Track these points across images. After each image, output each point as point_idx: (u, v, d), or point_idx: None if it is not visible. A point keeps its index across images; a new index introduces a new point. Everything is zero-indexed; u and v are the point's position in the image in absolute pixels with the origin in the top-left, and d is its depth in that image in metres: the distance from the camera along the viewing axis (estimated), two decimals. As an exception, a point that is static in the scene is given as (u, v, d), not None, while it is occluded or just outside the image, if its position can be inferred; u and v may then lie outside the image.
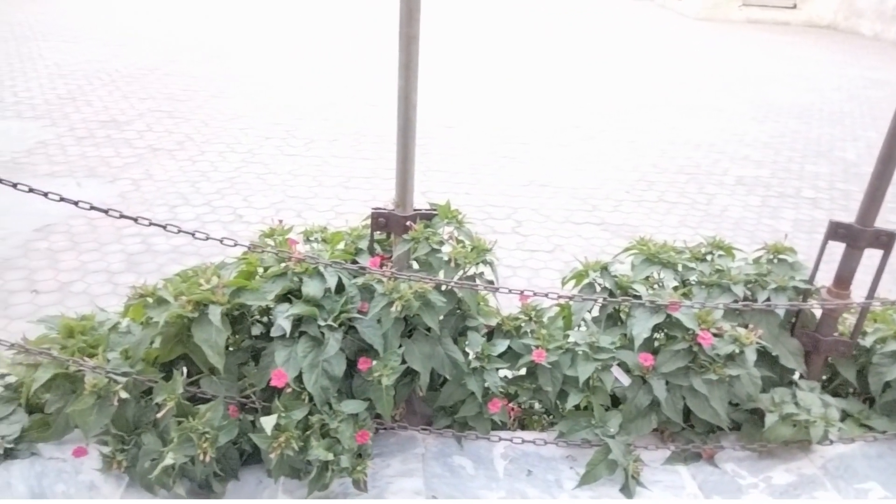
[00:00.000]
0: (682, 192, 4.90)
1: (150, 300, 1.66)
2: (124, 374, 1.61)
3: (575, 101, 7.41)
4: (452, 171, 5.03)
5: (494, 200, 4.53)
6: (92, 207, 1.63)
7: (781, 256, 2.06)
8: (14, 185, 1.62)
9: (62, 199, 1.62)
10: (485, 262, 1.77)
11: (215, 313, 1.55)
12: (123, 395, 1.57)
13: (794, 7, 16.10)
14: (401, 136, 1.68)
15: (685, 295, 1.94)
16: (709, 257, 2.15)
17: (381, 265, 1.75)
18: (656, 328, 1.85)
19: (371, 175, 4.89)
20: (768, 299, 1.92)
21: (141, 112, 5.91)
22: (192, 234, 1.68)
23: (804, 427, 1.79)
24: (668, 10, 18.46)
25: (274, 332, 1.62)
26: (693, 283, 2.06)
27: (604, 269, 2.01)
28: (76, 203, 1.63)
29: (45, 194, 1.62)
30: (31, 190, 1.60)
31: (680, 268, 2.08)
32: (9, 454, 1.68)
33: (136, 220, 1.64)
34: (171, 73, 7.33)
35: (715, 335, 1.78)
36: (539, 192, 4.73)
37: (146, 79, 7.05)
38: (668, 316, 1.81)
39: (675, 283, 2.06)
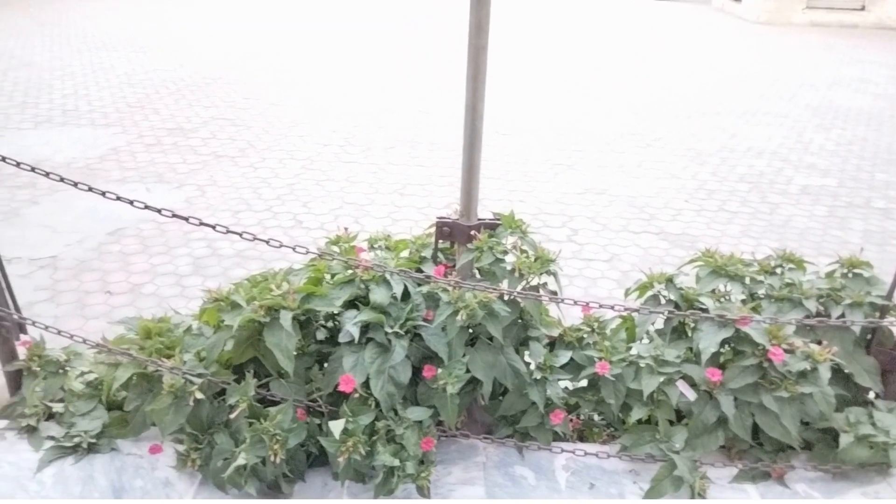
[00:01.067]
0: (744, 202, 4.77)
1: (223, 304, 1.73)
2: (199, 376, 1.67)
3: (631, 107, 7.31)
4: (507, 179, 5.03)
5: (549, 208, 4.51)
6: (174, 215, 1.71)
7: (856, 271, 1.99)
8: (103, 194, 1.72)
9: (146, 207, 1.70)
10: (548, 273, 1.76)
11: (286, 318, 1.60)
12: (199, 395, 1.63)
13: (863, 9, 15.47)
14: (467, 147, 1.69)
15: (754, 309, 1.89)
16: (778, 270, 2.09)
17: (445, 274, 1.77)
18: (724, 343, 1.81)
19: (426, 182, 4.93)
20: (842, 315, 1.86)
21: (205, 120, 6.12)
22: (276, 244, 1.73)
23: (882, 449, 1.72)
24: (726, 14, 18.03)
25: (342, 338, 1.66)
26: (762, 296, 2.01)
27: (669, 280, 1.98)
28: (159, 211, 1.71)
29: (131, 202, 1.70)
30: (118, 198, 1.69)
31: (748, 280, 2.03)
32: (91, 448, 1.76)
33: (240, 235, 1.70)
34: (233, 82, 7.57)
35: (786, 351, 1.74)
36: (595, 201, 4.68)
37: (209, 88, 7.30)
38: (737, 330, 1.77)
39: (743, 297, 2.01)
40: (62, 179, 1.77)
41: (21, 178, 4.53)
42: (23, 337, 1.92)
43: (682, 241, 4.09)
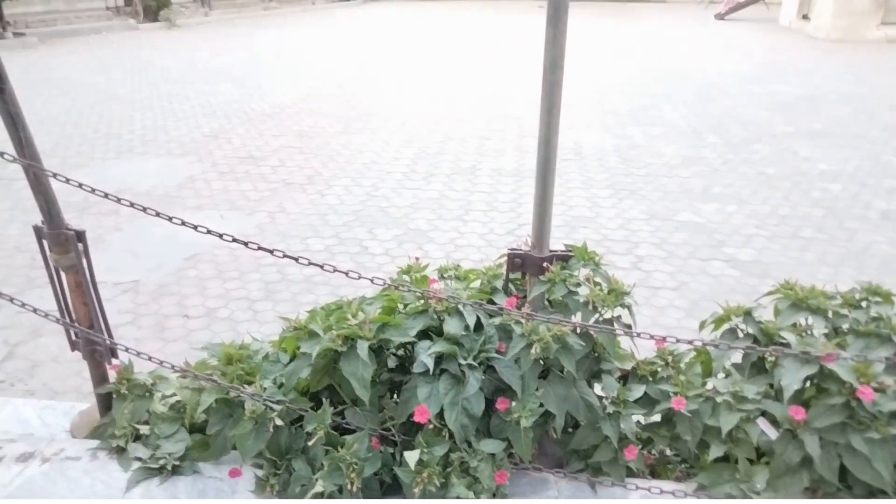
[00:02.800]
0: (819, 228, 4.59)
1: (302, 333, 1.78)
2: (279, 402, 1.72)
3: (696, 131, 7.16)
4: (569, 205, 5.00)
5: (614, 235, 4.46)
6: (234, 240, 1.78)
7: (952, 305, 1.89)
8: (170, 219, 1.82)
9: (209, 232, 1.78)
10: (622, 306, 1.75)
11: (363, 348, 1.64)
12: (278, 422, 1.68)
13: (943, 24, 14.80)
14: (540, 179, 1.71)
15: (839, 345, 1.81)
16: (864, 304, 2.00)
17: (518, 306, 1.78)
18: (807, 379, 1.74)
19: (488, 209, 4.95)
20: (937, 353, 1.76)
21: (275, 148, 6.35)
22: (343, 272, 1.78)
23: (984, 498, 1.61)
24: (794, 33, 17.53)
25: (416, 369, 1.68)
26: (846, 331, 1.93)
27: (747, 314, 1.92)
28: (220, 235, 1.78)
29: (195, 227, 1.79)
30: (183, 223, 1.78)
31: (830, 314, 1.96)
32: (175, 470, 1.84)
33: (296, 259, 1.76)
34: (301, 111, 7.84)
35: (876, 390, 1.66)
36: (661, 227, 4.60)
37: (279, 117, 7.58)
38: (822, 367, 1.70)
39: (826, 331, 1.93)
40: (132, 205, 1.88)
41: (105, 206, 4.80)
42: (113, 361, 2.02)
43: (754, 270, 3.96)
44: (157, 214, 1.88)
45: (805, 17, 17.75)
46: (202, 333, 3.21)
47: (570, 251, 1.83)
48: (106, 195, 1.89)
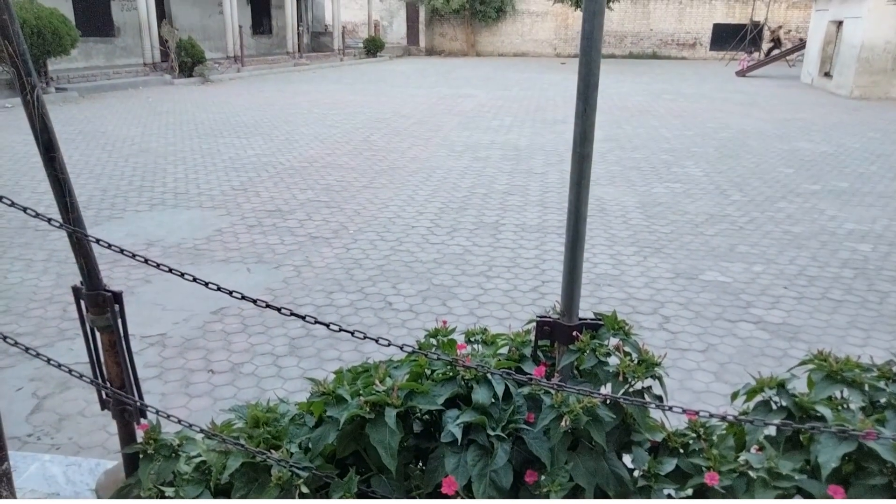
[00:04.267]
0: (849, 289, 4.52)
1: (329, 398, 1.78)
2: (305, 469, 1.71)
3: (719, 188, 7.17)
4: (594, 262, 4.99)
5: (639, 294, 4.43)
6: (243, 297, 1.81)
7: None
8: (182, 275, 1.85)
9: (219, 289, 1.80)
10: (653, 377, 1.73)
11: (391, 416, 1.63)
12: (304, 489, 1.67)
13: (968, 82, 14.82)
14: (569, 249, 1.72)
15: (879, 421, 1.76)
16: (902, 377, 1.95)
17: (547, 374, 1.76)
18: (845, 456, 1.69)
19: (511, 264, 4.96)
20: (982, 432, 1.70)
21: (301, 202, 6.47)
22: (374, 339, 1.79)
23: None
24: (816, 90, 17.65)
25: (444, 439, 1.66)
26: (884, 405, 1.88)
27: (780, 385, 1.88)
28: (230, 293, 1.81)
29: (206, 284, 1.82)
30: (194, 279, 1.81)
31: (867, 387, 1.91)
32: (198, 535, 1.82)
33: (303, 318, 1.78)
34: (328, 165, 8.01)
35: (919, 471, 1.60)
36: (687, 286, 4.56)
37: (306, 171, 7.75)
38: (861, 444, 1.65)
39: (864, 404, 1.88)
40: (146, 261, 1.91)
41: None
42: (141, 421, 2.03)
43: (784, 332, 3.89)
44: (170, 270, 1.91)
45: (827, 74, 17.90)
46: (226, 389, 3.23)
47: (600, 320, 1.82)
48: (122, 251, 1.94)
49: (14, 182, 7.03)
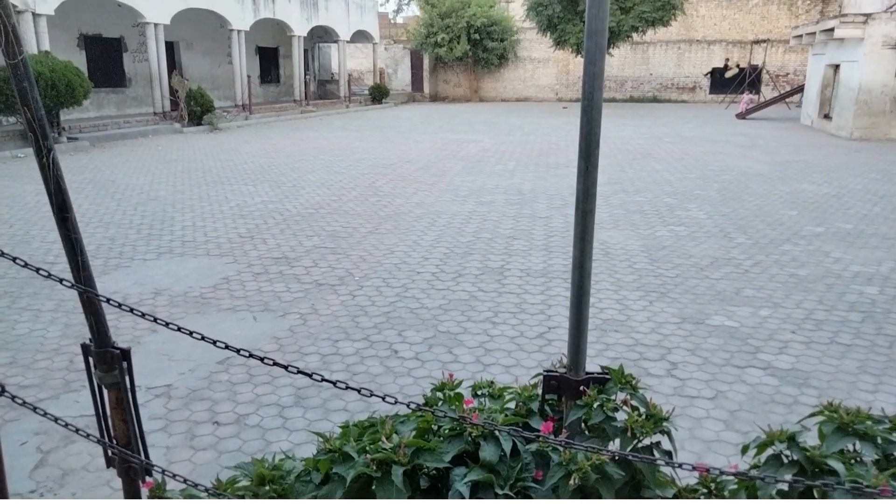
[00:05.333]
0: (858, 334, 4.49)
1: (336, 455, 1.77)
2: (311, 529, 1.69)
3: (723, 231, 7.19)
4: (600, 307, 4.98)
5: (646, 340, 4.40)
6: (237, 351, 1.81)
7: None
8: (178, 329, 1.86)
9: (215, 343, 1.81)
10: (662, 432, 1.71)
11: (398, 474, 1.62)
12: (310, 551, 1.64)
13: (967, 122, 14.96)
14: (574, 303, 1.73)
15: (894, 475, 1.74)
16: (914, 429, 1.93)
17: (554, 429, 1.75)
18: (860, 512, 1.66)
19: (517, 310, 4.96)
20: None
21: (307, 249, 6.52)
22: (380, 397, 1.79)
23: None
24: (816, 131, 17.83)
25: (452, 497, 1.65)
26: (898, 458, 1.85)
27: (791, 439, 1.86)
28: (226, 346, 1.81)
29: (202, 337, 1.83)
30: (179, 329, 1.83)
31: (879, 440, 1.89)
32: None
33: (310, 375, 1.78)
34: (334, 212, 8.10)
35: (936, 529, 1.57)
36: (693, 331, 4.54)
37: (312, 217, 7.83)
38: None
39: (877, 457, 1.86)
40: (143, 315, 1.93)
41: (142, 308, 4.93)
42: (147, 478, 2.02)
43: (793, 378, 3.85)
44: (167, 325, 1.93)
45: (827, 116, 18.11)
46: (231, 442, 3.20)
47: (607, 374, 1.82)
48: (131, 310, 1.96)
49: (25, 231, 7.11)
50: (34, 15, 14.92)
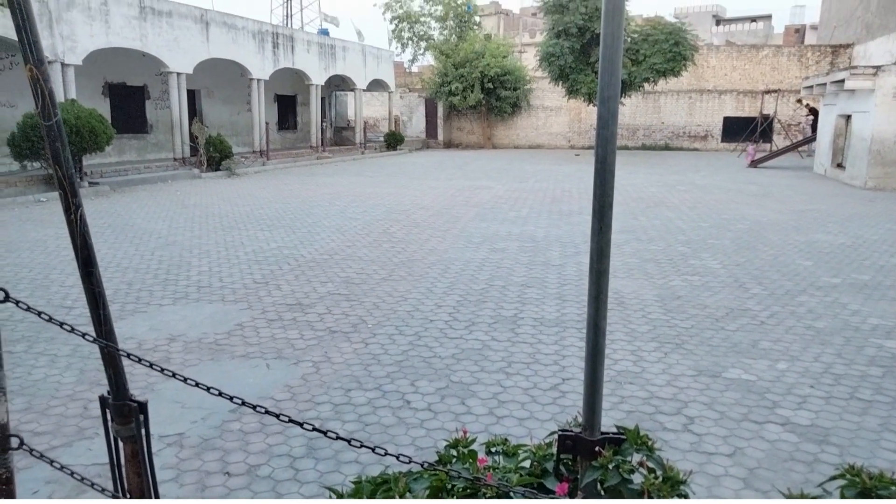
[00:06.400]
0: (879, 389, 4.41)
1: (349, 514, 1.76)
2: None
3: (738, 281, 7.15)
4: (614, 358, 4.94)
5: (661, 393, 4.35)
6: (243, 403, 1.83)
7: None
8: (185, 380, 1.88)
9: (220, 394, 1.83)
10: (679, 495, 1.69)
11: (411, 536, 1.61)
12: None
13: (982, 173, 14.93)
14: (589, 362, 1.73)
15: (918, 545, 1.69)
16: (940, 494, 1.88)
17: (569, 490, 1.74)
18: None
19: (530, 360, 4.93)
20: None
21: (322, 295, 6.56)
22: (394, 456, 1.79)
23: None
24: (829, 180, 17.85)
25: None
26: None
27: (812, 503, 1.83)
28: (230, 398, 1.84)
29: (208, 389, 1.85)
30: (197, 384, 1.85)
31: (903, 505, 1.84)
32: None
33: (325, 431, 1.78)
34: (348, 258, 8.16)
35: None
36: (710, 385, 4.48)
37: (326, 263, 7.89)
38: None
39: (901, 524, 1.81)
40: (162, 370, 1.95)
41: (157, 354, 4.96)
42: (159, 533, 2.01)
43: (813, 435, 3.78)
44: (174, 375, 1.96)
45: (840, 165, 18.14)
46: (242, 493, 3.17)
47: (623, 434, 1.81)
48: (151, 365, 1.99)
49: (44, 276, 7.23)
50: (63, 65, 15.47)
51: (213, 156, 18.98)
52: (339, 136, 33.14)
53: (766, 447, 3.64)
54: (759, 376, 4.61)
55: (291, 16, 51.32)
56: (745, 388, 4.41)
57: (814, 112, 27.23)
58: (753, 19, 60.84)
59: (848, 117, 17.81)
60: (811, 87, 20.32)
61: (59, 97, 15.00)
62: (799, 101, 28.99)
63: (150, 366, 1.84)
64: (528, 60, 36.33)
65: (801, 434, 3.79)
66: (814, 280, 7.18)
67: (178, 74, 19.01)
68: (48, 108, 1.70)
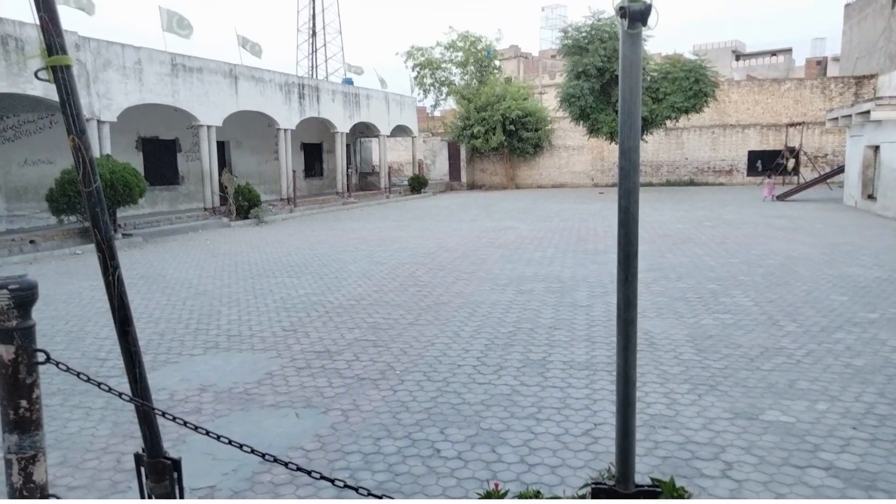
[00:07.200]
0: (926, 429, 4.24)
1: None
2: None
3: (771, 318, 7.01)
4: (646, 402, 4.85)
5: (697, 437, 4.24)
6: (275, 459, 1.83)
7: None
8: (207, 433, 1.89)
9: (241, 447, 1.83)
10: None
11: None
12: None
13: None
14: (620, 413, 1.72)
15: None
16: None
17: (605, 546, 1.70)
18: None
19: (561, 405, 4.86)
20: None
21: (349, 342, 6.58)
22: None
23: None
24: (860, 212, 17.56)
25: None
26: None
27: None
28: (252, 450, 1.83)
29: (229, 441, 1.85)
30: (230, 442, 1.84)
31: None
32: None
33: (356, 487, 1.78)
34: (375, 303, 8.20)
35: None
36: (747, 428, 4.36)
37: (354, 309, 7.94)
38: None
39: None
40: (185, 423, 1.97)
41: (188, 405, 5.00)
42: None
43: (859, 480, 3.64)
44: (207, 433, 1.97)
45: (871, 196, 17.86)
46: (273, 548, 3.15)
47: (658, 486, 1.77)
48: (184, 423, 2.01)
49: (79, 328, 7.38)
50: (99, 122, 16.08)
51: (242, 204, 19.40)
52: (365, 182, 33.66)
53: (809, 493, 3.52)
54: (798, 418, 4.48)
55: (317, 66, 52.90)
56: (784, 431, 4.28)
57: (792, 151, 27.41)
58: (774, 53, 61.02)
59: (876, 148, 17.59)
60: (836, 118, 20.17)
61: (95, 153, 15.57)
62: (787, 148, 29.12)
63: (185, 424, 1.87)
64: (549, 101, 36.76)
65: (847, 479, 3.65)
66: (850, 316, 7.01)
67: (209, 127, 19.61)
68: (89, 175, 1.78)
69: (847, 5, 35.86)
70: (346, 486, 1.79)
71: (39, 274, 11.32)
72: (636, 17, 1.51)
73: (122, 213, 16.11)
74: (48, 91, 13.89)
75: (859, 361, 5.56)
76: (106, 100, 16.30)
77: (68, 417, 4.80)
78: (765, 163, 30.12)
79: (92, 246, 1.72)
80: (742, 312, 7.29)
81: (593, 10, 26.61)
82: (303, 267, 11.17)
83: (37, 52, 1.79)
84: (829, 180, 24.67)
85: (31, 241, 13.87)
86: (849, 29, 35.63)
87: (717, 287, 8.65)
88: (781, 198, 22.46)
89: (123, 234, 15.51)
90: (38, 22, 1.69)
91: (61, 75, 1.75)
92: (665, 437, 4.25)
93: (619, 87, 1.61)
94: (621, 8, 1.57)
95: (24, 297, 1.66)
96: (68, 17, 21.04)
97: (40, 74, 1.77)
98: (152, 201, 20.28)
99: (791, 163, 28.51)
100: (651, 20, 1.54)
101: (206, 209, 19.72)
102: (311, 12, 53.95)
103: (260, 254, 12.98)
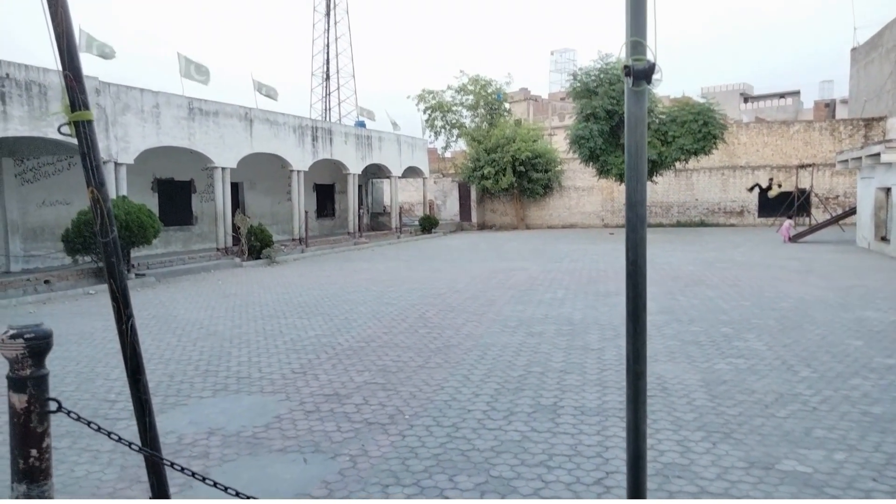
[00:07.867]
0: (949, 481, 4.13)
1: None
2: None
3: (786, 363, 6.91)
4: (659, 449, 4.76)
5: (712, 488, 4.15)
6: None
7: None
8: (214, 484, 1.87)
9: (248, 498, 1.81)
10: None
11: None
12: None
13: None
14: (631, 470, 1.70)
15: None
16: None
17: None
18: None
19: (572, 452, 4.78)
20: None
21: (358, 385, 6.54)
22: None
23: None
24: (873, 254, 17.44)
25: None
26: None
27: None
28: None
29: (237, 493, 1.82)
30: (226, 489, 1.82)
31: None
32: None
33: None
34: (384, 345, 8.18)
35: None
36: (764, 477, 4.26)
37: (363, 351, 7.92)
38: None
39: None
40: (193, 475, 1.96)
41: (196, 449, 4.97)
42: None
43: (880, 534, 3.53)
44: (204, 480, 1.96)
45: (884, 238, 17.76)
46: None
47: (669, 544, 1.73)
48: (193, 474, 2.00)
49: (90, 369, 7.40)
50: (116, 164, 16.41)
51: (254, 245, 19.57)
52: (376, 222, 33.92)
53: (829, 548, 3.42)
54: (815, 468, 4.38)
55: (330, 109, 53.94)
56: (801, 482, 4.18)
57: (759, 187, 28.10)
58: (782, 95, 61.57)
59: (888, 190, 17.56)
60: (846, 160, 20.20)
61: (112, 194, 15.83)
62: (773, 181, 29.64)
63: (193, 475, 1.87)
64: (559, 142, 37.14)
65: (867, 533, 3.55)
66: (866, 361, 6.90)
67: (223, 169, 19.94)
68: (106, 226, 1.82)
69: (853, 49, 36.31)
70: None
71: (53, 314, 11.42)
72: (640, 75, 1.55)
73: (135, 252, 16.29)
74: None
75: (877, 409, 5.45)
76: (124, 143, 16.66)
77: (76, 461, 4.78)
78: (776, 205, 30.09)
79: (105, 286, 1.76)
80: (756, 357, 7.20)
81: (602, 54, 27.15)
82: (313, 307, 11.19)
83: (60, 109, 1.86)
84: (840, 221, 24.57)
85: (46, 281, 14.03)
86: (856, 72, 36.01)
87: (729, 330, 8.56)
88: (793, 239, 22.37)
89: (137, 274, 15.65)
90: (63, 81, 1.76)
91: (83, 129, 1.81)
92: (679, 487, 4.16)
93: (625, 142, 1.64)
94: (626, 67, 1.61)
95: (39, 346, 1.68)
96: (89, 63, 21.70)
97: (63, 129, 1.83)
98: (166, 241, 20.51)
99: (776, 189, 29.10)
100: (655, 78, 1.58)
101: (218, 249, 19.89)
102: (326, 57, 55.35)
103: (270, 294, 13.03)
